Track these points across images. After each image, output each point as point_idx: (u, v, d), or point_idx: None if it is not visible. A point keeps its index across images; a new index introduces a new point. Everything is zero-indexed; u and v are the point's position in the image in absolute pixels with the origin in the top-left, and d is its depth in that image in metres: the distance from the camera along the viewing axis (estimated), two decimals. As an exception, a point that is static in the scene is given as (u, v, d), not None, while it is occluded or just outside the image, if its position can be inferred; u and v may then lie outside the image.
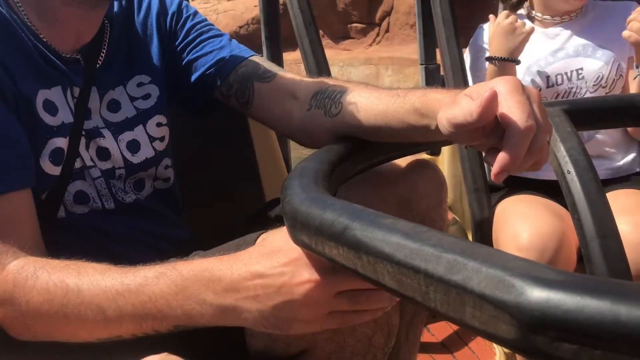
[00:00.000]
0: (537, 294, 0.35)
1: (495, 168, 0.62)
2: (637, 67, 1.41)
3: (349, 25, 11.04)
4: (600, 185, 0.94)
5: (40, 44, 0.87)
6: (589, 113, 1.08)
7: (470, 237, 1.59)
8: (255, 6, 9.86)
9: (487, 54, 1.52)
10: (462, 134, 0.66)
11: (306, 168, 0.70)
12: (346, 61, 10.19)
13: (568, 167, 0.95)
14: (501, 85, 0.63)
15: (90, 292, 0.71)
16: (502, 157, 0.61)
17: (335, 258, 0.52)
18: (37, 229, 0.82)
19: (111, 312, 0.70)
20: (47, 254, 0.79)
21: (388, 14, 11.02)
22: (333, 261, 0.52)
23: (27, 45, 0.85)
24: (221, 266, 0.68)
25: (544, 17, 1.56)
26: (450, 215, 1.78)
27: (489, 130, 0.64)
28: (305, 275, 0.63)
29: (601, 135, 1.50)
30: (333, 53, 10.09)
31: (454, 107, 0.66)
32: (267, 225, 0.84)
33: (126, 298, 0.69)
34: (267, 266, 0.65)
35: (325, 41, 10.58)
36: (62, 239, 0.88)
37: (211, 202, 1.33)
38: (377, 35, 11.15)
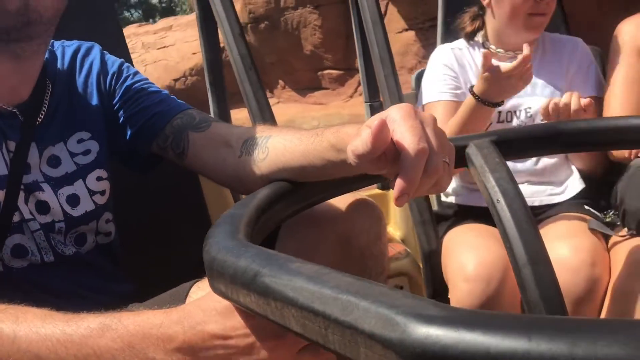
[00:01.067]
0: (418, 331, 0.36)
1: (394, 193, 0.63)
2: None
3: (320, 73, 8.08)
4: (530, 212, 0.96)
5: None
6: (516, 143, 1.12)
7: (422, 269, 1.61)
8: (194, 54, 8.44)
9: (468, 85, 1.55)
10: (366, 163, 0.68)
11: (231, 215, 0.71)
12: (322, 119, 7.36)
13: (497, 196, 0.98)
14: (394, 112, 0.65)
15: (27, 339, 0.67)
16: (398, 181, 0.62)
17: (249, 305, 0.52)
18: None
19: None
20: None
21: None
22: (247, 309, 0.53)
23: None
24: (171, 324, 0.64)
25: (497, 49, 1.61)
26: (402, 248, 1.79)
27: (391, 158, 0.66)
28: (270, 344, 0.61)
29: (540, 162, 1.55)
30: (301, 108, 8.07)
31: (356, 139, 0.68)
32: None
33: (67, 349, 0.66)
34: (228, 326, 0.62)
35: (288, 93, 8.56)
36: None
37: (156, 253, 1.32)
38: (360, 83, 7.27)
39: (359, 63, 1.94)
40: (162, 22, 10.58)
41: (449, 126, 1.46)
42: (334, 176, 0.86)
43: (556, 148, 1.19)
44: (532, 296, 0.90)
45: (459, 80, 1.60)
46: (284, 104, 8.41)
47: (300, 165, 0.86)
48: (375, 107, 1.88)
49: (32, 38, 0.90)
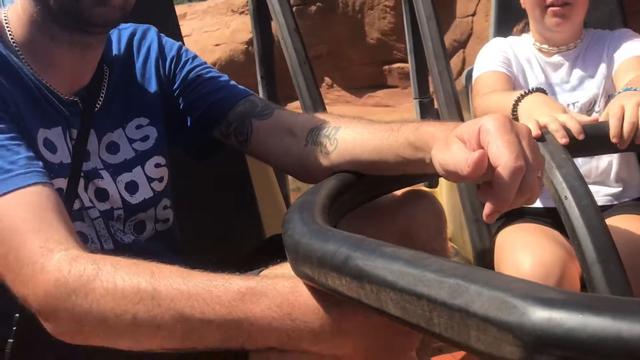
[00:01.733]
0: (539, 314, 0.35)
1: (486, 210, 0.62)
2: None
3: (386, 67, 6.44)
4: (599, 209, 0.94)
5: (40, 85, 0.89)
6: (583, 140, 1.10)
7: (472, 268, 1.59)
8: (216, 45, 7.14)
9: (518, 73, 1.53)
10: (454, 176, 0.67)
11: (306, 202, 0.71)
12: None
13: (565, 193, 0.96)
14: (490, 124, 0.63)
15: (169, 295, 0.63)
16: (492, 199, 0.61)
17: (338, 289, 0.52)
18: (72, 224, 0.77)
19: (195, 321, 0.62)
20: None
21: (462, 42, 6.14)
22: (336, 292, 0.53)
23: (28, 85, 0.88)
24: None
25: (542, 46, 1.60)
26: (451, 246, 1.78)
27: (483, 169, 0.64)
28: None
29: (600, 161, 1.51)
30: (356, 112, 5.63)
31: (445, 151, 0.66)
32: (267, 262, 0.84)
33: (216, 311, 0.62)
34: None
35: (336, 93, 6.80)
36: None
37: (211, 241, 1.33)
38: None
39: (409, 58, 1.93)
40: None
41: (478, 108, 1.44)
42: (405, 173, 0.85)
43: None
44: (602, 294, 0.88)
45: (512, 64, 1.58)
46: (331, 107, 7.24)
47: (371, 159, 0.85)
48: (425, 103, 1.87)
49: (105, 31, 0.91)
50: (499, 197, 0.60)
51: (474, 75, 1.62)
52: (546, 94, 1.28)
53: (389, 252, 0.48)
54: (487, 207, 0.62)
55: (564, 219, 0.95)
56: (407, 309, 0.44)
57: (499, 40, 1.65)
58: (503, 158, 0.60)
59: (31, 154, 0.79)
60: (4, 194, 0.73)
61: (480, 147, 0.63)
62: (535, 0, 1.52)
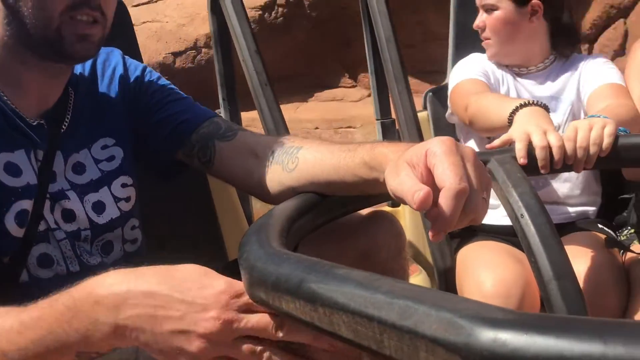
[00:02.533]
0: (485, 334, 0.36)
1: (431, 230, 0.63)
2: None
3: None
4: (554, 227, 0.96)
5: (5, 107, 0.89)
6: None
7: (436, 287, 1.59)
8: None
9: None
10: (404, 202, 0.67)
11: (264, 224, 0.71)
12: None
13: (521, 211, 0.98)
14: (437, 147, 0.64)
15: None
16: (437, 219, 0.62)
17: (292, 312, 0.52)
18: None
19: (13, 355, 0.65)
20: None
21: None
22: (290, 315, 0.52)
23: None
24: (117, 280, 0.63)
25: (513, 67, 1.64)
26: (415, 267, 1.79)
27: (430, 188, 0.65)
28: (216, 312, 0.60)
29: (555, 181, 1.54)
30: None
31: (394, 178, 0.67)
32: None
33: (25, 336, 0.65)
34: (178, 289, 0.61)
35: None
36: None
37: (176, 259, 1.31)
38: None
39: (370, 80, 1.95)
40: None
41: (474, 104, 1.45)
42: (363, 192, 0.86)
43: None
44: (558, 310, 0.89)
45: (490, 77, 1.61)
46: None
47: (330, 179, 0.86)
48: (386, 125, 1.88)
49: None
50: (443, 218, 0.61)
51: (452, 83, 1.65)
52: (548, 110, 1.28)
53: (341, 274, 0.48)
54: (432, 228, 0.63)
55: (520, 237, 0.97)
56: (358, 331, 0.44)
57: (476, 55, 1.69)
58: (447, 180, 0.61)
59: None
60: None
61: (428, 170, 0.64)
62: None
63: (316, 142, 0.93)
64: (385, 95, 1.90)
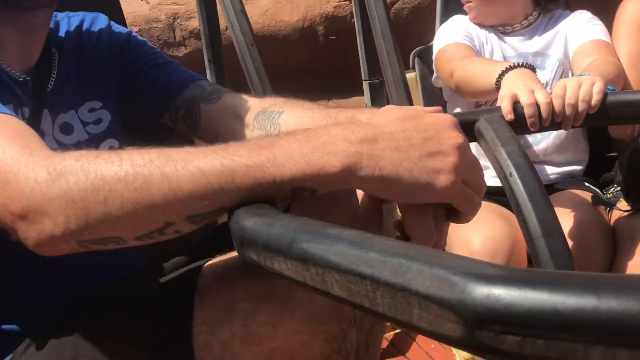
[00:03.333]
0: (479, 290, 0.36)
1: None
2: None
3: None
4: (542, 185, 0.97)
5: None
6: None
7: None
8: None
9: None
10: None
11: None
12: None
13: (510, 170, 0.98)
14: (411, 222, 0.67)
15: (181, 156, 0.58)
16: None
17: (284, 272, 0.51)
18: None
19: (215, 171, 0.57)
20: None
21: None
22: (282, 276, 0.52)
23: None
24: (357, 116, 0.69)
25: (497, 27, 1.62)
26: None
27: None
28: (453, 132, 0.62)
29: (543, 140, 1.55)
30: None
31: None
32: (215, 252, 0.84)
33: (235, 160, 0.58)
34: (410, 123, 0.61)
35: None
36: (12, 268, 0.86)
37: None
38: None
39: (358, 40, 1.92)
40: None
41: (459, 70, 1.44)
42: None
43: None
44: (546, 268, 0.91)
45: (474, 39, 1.60)
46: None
47: None
48: (375, 85, 1.87)
49: (37, 6, 0.89)
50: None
51: (436, 47, 1.63)
52: (534, 71, 1.27)
53: (332, 233, 0.48)
54: None
55: (509, 195, 0.97)
56: (351, 290, 0.44)
57: (459, 17, 1.67)
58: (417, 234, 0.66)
59: None
60: None
61: None
62: None
63: (297, 106, 0.93)
64: (373, 55, 1.88)
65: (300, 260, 0.48)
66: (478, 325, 0.35)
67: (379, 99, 1.97)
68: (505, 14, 1.58)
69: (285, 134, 0.62)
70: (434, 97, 1.86)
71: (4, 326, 0.87)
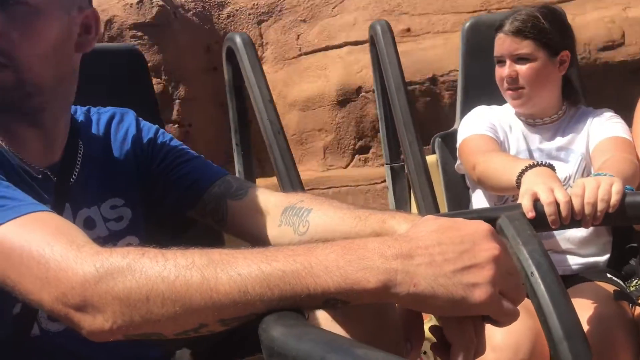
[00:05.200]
0: None
1: None
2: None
3: None
4: (563, 286, 0.98)
5: (12, 160, 0.90)
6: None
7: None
8: None
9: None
10: None
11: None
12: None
13: (531, 269, 1.00)
14: (453, 333, 0.66)
15: (222, 259, 0.61)
16: None
17: (312, 389, 0.53)
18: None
19: (251, 278, 0.60)
20: None
21: None
22: (310, 392, 0.54)
23: (3, 159, 0.88)
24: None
25: (520, 117, 1.66)
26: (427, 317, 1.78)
27: None
28: (490, 242, 0.62)
29: (570, 231, 1.55)
30: None
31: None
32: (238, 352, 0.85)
33: (273, 266, 0.60)
34: (446, 236, 0.62)
35: None
36: None
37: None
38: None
39: (380, 125, 1.98)
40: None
41: (482, 164, 1.46)
42: None
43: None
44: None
45: (497, 130, 1.63)
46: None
47: None
48: (396, 169, 1.91)
49: (43, 109, 0.91)
50: None
51: (460, 137, 1.66)
52: (554, 170, 1.30)
53: (360, 354, 0.50)
54: None
55: (530, 295, 0.98)
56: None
57: (483, 107, 1.71)
58: (458, 347, 0.65)
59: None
60: (20, 216, 0.71)
61: None
62: (498, 82, 1.63)
63: (326, 204, 0.94)
64: (394, 139, 1.94)
65: (329, 380, 0.50)
66: None
67: (399, 182, 2.02)
68: (545, 105, 1.62)
69: (323, 243, 0.64)
70: (454, 181, 1.88)
71: None
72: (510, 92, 1.61)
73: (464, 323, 0.65)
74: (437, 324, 0.68)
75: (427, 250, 0.61)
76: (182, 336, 0.64)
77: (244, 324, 0.63)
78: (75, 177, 0.97)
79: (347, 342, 0.53)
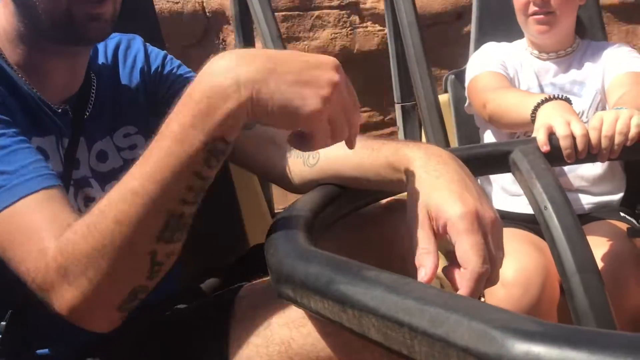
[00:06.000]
0: (518, 347, 0.36)
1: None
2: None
3: None
4: (577, 220, 0.95)
5: (34, 95, 0.89)
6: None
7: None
8: None
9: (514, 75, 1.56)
10: None
11: (289, 218, 0.71)
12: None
13: (545, 203, 0.97)
14: (457, 220, 0.65)
15: (115, 191, 0.72)
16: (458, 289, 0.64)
17: (320, 311, 0.52)
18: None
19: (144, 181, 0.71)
20: None
21: None
22: (318, 314, 0.53)
23: (22, 94, 0.88)
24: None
25: (533, 51, 1.61)
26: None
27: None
28: (333, 71, 0.65)
29: (584, 169, 1.52)
30: None
31: (412, 225, 0.70)
32: (248, 275, 0.85)
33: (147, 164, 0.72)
34: (294, 56, 0.65)
35: None
36: None
37: (195, 250, 1.32)
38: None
39: (391, 63, 1.93)
40: None
41: (493, 102, 1.42)
42: (387, 190, 0.86)
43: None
44: (580, 305, 0.89)
45: (507, 67, 1.58)
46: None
47: (353, 175, 0.85)
48: (407, 108, 1.87)
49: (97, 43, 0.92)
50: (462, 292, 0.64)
51: (469, 76, 1.61)
52: (571, 103, 1.25)
53: (370, 276, 0.49)
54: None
55: (543, 229, 0.97)
56: (388, 335, 0.44)
57: (492, 44, 1.66)
58: (470, 264, 0.63)
59: (39, 156, 0.79)
60: (18, 199, 0.73)
61: (445, 232, 0.66)
62: (519, 7, 1.54)
63: None
64: (406, 78, 1.89)
65: (337, 301, 0.49)
66: (517, 382, 0.35)
67: (411, 122, 1.98)
68: (562, 36, 1.57)
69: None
70: (467, 120, 1.85)
71: (38, 351, 0.89)
72: (537, 16, 1.51)
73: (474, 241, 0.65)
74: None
75: (272, 60, 0.64)
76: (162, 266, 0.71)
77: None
78: (89, 111, 0.97)
79: (355, 264, 0.51)
